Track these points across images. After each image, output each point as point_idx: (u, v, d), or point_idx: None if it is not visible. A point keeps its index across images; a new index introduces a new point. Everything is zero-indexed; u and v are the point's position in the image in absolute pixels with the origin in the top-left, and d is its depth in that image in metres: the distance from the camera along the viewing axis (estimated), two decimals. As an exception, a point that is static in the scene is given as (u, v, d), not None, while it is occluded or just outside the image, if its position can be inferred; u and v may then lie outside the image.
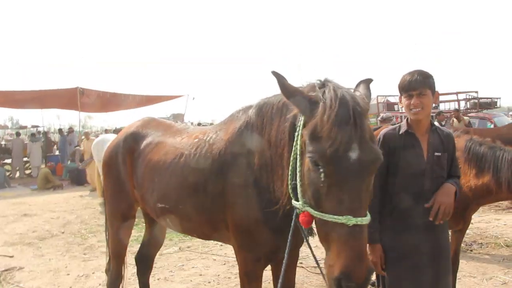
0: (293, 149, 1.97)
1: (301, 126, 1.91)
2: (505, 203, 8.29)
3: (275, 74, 1.94)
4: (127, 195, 3.36)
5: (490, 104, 18.29)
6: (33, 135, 20.41)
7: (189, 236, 7.02)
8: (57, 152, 20.22)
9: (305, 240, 2.16)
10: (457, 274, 4.86)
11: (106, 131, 20.00)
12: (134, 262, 4.03)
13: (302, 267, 5.57)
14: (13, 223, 9.09)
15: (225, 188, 2.50)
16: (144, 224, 3.99)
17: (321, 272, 1.96)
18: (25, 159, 18.38)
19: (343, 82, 2.01)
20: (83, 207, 10.52)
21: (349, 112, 1.78)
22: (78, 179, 14.74)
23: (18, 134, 20.73)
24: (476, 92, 18.82)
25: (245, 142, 2.48)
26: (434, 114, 16.50)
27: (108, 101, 17.86)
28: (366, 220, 1.76)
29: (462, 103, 18.55)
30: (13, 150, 17.93)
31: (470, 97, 18.73)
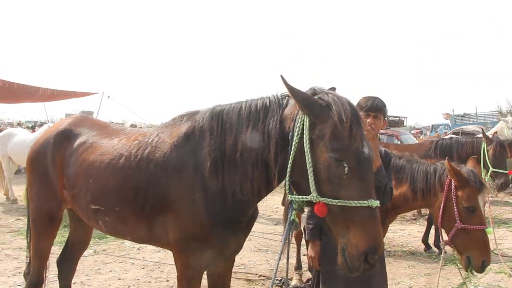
0: (293, 148, 2.13)
1: (306, 127, 2.09)
2: (409, 214, 9.11)
3: (283, 78, 2.11)
4: (54, 195, 3.22)
5: (398, 123, 19.70)
6: None
7: (104, 239, 6.85)
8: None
9: (287, 233, 2.33)
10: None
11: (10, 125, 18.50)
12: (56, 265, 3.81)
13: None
14: None
15: (168, 192, 2.51)
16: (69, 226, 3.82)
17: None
18: None
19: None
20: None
21: (357, 113, 2.15)
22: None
23: None
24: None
25: (193, 146, 2.52)
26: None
27: (15, 93, 16.47)
28: (379, 203, 2.06)
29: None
30: None
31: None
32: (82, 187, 2.93)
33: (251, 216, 2.70)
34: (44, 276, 3.55)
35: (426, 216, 7.30)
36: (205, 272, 2.82)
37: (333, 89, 2.40)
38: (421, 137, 23.06)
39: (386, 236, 7.64)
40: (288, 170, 2.18)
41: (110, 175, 2.78)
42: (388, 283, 5.20)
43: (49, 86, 17.93)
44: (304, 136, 2.10)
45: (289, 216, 2.28)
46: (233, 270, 5.61)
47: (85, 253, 6.19)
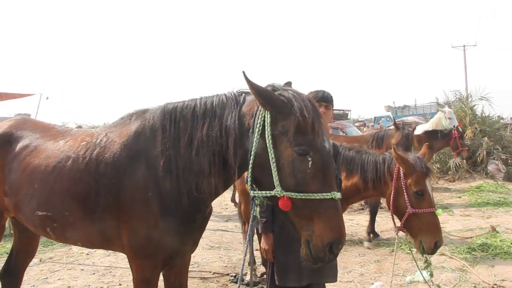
0: (254, 144, 2.12)
1: (268, 123, 2.09)
2: (356, 205, 9.38)
3: (244, 74, 2.09)
4: None
5: (342, 116, 20.33)
6: None
7: (50, 246, 6.57)
8: None
9: (250, 229, 2.34)
10: (320, 268, 5.43)
11: None
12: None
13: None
14: None
15: (119, 193, 2.43)
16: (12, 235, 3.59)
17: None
18: None
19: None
20: None
21: (317, 109, 2.20)
22: None
23: None
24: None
25: (144, 145, 2.45)
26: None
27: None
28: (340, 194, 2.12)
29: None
30: None
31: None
32: (27, 193, 2.77)
33: (207, 213, 2.67)
34: None
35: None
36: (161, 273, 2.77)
37: (289, 84, 2.43)
38: (364, 129, 23.85)
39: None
40: (250, 166, 2.17)
41: (57, 178, 2.65)
42: (340, 271, 5.44)
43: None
44: (266, 132, 2.10)
45: (252, 212, 2.28)
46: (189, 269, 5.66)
47: (30, 263, 5.98)
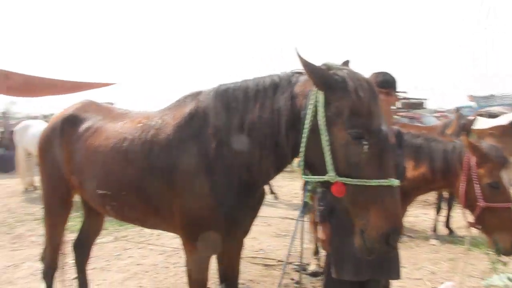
0: (306, 126, 2.02)
1: (321, 104, 1.97)
2: (432, 198, 8.87)
3: (297, 52, 1.99)
4: (63, 181, 3.19)
5: (418, 105, 19.29)
6: None
7: (125, 226, 6.91)
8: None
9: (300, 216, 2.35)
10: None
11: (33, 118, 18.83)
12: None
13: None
14: None
15: (172, 175, 2.44)
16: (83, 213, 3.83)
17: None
18: None
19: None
20: (8, 195, 9.92)
21: (374, 90, 2.03)
22: (4, 166, 13.86)
23: None
24: (405, 92, 19.74)
25: (197, 127, 2.43)
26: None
27: (36, 86, 16.74)
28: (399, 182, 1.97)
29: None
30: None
31: (400, 97, 19.59)
32: (89, 173, 2.90)
33: (260, 197, 2.63)
34: (58, 261, 3.57)
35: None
36: (214, 256, 2.79)
37: (347, 63, 2.28)
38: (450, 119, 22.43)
39: (407, 221, 7.58)
40: (302, 149, 2.07)
41: (114, 159, 2.73)
42: (409, 268, 5.20)
43: (65, 78, 18.13)
44: (319, 113, 1.98)
45: (304, 195, 2.24)
46: (251, 255, 5.70)
47: (105, 239, 6.35)
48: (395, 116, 14.35)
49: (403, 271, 5.08)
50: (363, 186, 1.91)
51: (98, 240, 6.24)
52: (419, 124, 13.21)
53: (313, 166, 2.09)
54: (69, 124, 3.18)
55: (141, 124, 2.72)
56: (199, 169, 2.36)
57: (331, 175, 1.96)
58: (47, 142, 3.30)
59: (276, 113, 2.18)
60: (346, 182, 1.93)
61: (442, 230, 6.82)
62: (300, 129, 2.07)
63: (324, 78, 1.99)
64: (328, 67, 2.07)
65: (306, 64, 1.99)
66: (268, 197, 9.61)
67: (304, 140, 2.05)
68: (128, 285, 4.69)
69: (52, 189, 3.33)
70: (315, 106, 2.01)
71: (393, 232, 1.89)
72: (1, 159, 14.32)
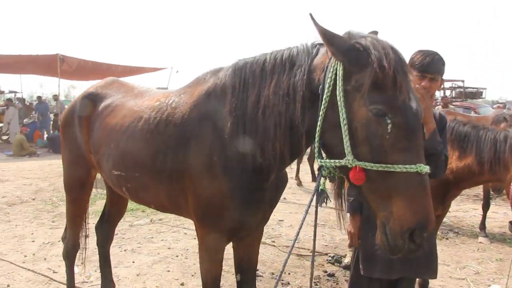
0: (323, 102, 1.79)
1: (340, 77, 1.74)
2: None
3: (312, 17, 1.77)
4: (84, 161, 3.14)
5: (476, 94, 18.26)
6: (9, 100, 19.93)
7: (162, 209, 6.95)
8: (34, 119, 19.84)
9: (319, 206, 2.06)
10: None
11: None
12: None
13: (274, 245, 5.51)
14: (-15, 188, 8.88)
15: (186, 156, 2.29)
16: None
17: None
18: (1, 124, 18.00)
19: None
20: (57, 175, 10.25)
21: (402, 60, 1.77)
22: (58, 147, 14.49)
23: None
24: (462, 81, 18.76)
25: (213, 106, 2.26)
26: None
27: (90, 70, 17.36)
28: (429, 168, 1.71)
29: (447, 92, 18.48)
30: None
31: (456, 86, 18.68)
32: (105, 152, 2.81)
33: (278, 184, 2.43)
34: (79, 241, 3.56)
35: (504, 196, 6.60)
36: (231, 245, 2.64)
37: (375, 33, 1.99)
38: (504, 111, 21.20)
39: (455, 215, 7.16)
40: (318, 129, 1.83)
41: (129, 138, 2.61)
42: (452, 266, 4.85)
43: (118, 63, 18.65)
44: (337, 87, 1.74)
45: (317, 185, 1.98)
46: (284, 244, 5.53)
47: (141, 221, 6.41)
48: (451, 106, 13.67)
49: (445, 270, 4.82)
50: (386, 173, 1.66)
51: (135, 222, 6.39)
52: (475, 115, 12.48)
53: (330, 148, 1.86)
54: (88, 102, 3.11)
55: (158, 103, 2.58)
56: (212, 151, 2.20)
57: (349, 159, 1.71)
58: (68, 120, 3.26)
59: (292, 89, 1.96)
60: (367, 168, 1.68)
61: (492, 227, 6.36)
62: (318, 107, 1.84)
63: (343, 47, 1.74)
64: (350, 36, 1.81)
65: (322, 31, 1.75)
66: (309, 185, 9.41)
67: (320, 118, 1.82)
68: (156, 268, 4.67)
69: (73, 167, 3.30)
70: (334, 80, 1.76)
71: (420, 227, 1.63)
72: (55, 140, 14.97)
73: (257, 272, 4.53)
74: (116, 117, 2.80)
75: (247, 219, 2.33)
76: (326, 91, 1.78)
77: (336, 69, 1.75)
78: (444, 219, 6.75)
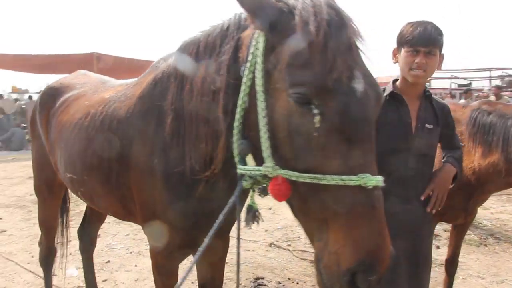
0: (243, 87, 1.39)
1: (261, 52, 1.33)
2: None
3: None
4: (48, 162, 2.87)
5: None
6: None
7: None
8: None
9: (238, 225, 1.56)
10: (463, 274, 4.28)
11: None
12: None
13: (289, 250, 5.14)
14: (16, 185, 9.06)
15: (129, 157, 1.96)
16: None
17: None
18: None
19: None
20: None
21: (343, 19, 1.29)
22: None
23: (30, 97, 20.51)
24: (512, 68, 17.66)
25: (158, 98, 1.88)
26: (462, 91, 15.54)
27: (125, 67, 17.53)
28: (382, 181, 1.23)
29: (496, 81, 17.41)
30: (28, 114, 18.07)
31: (506, 74, 17.55)
32: (57, 153, 2.54)
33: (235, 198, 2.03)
34: (53, 246, 3.39)
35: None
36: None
37: None
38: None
39: (498, 218, 6.37)
40: (236, 124, 1.43)
41: (76, 137, 2.32)
42: (489, 279, 4.19)
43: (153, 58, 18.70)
44: (257, 66, 1.34)
45: (235, 195, 1.47)
46: (301, 248, 5.12)
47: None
48: (505, 97, 12.74)
49: (479, 283, 4.16)
50: (317, 186, 1.21)
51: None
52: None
53: (254, 151, 1.44)
54: (47, 97, 2.86)
55: (109, 96, 2.27)
56: (153, 152, 1.85)
57: (268, 166, 1.30)
58: (32, 117, 3.04)
59: (217, 73, 1.56)
60: (291, 178, 1.25)
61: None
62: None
63: (258, 7, 1.31)
64: None
65: None
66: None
67: (239, 109, 1.41)
68: (157, 273, 4.44)
69: (40, 168, 3.09)
70: (256, 57, 1.35)
71: (364, 268, 1.16)
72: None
73: (262, 280, 4.22)
74: (68, 113, 2.52)
75: (196, 234, 1.88)
76: (246, 72, 1.37)
77: (257, 41, 1.35)
78: (485, 222, 6.09)
